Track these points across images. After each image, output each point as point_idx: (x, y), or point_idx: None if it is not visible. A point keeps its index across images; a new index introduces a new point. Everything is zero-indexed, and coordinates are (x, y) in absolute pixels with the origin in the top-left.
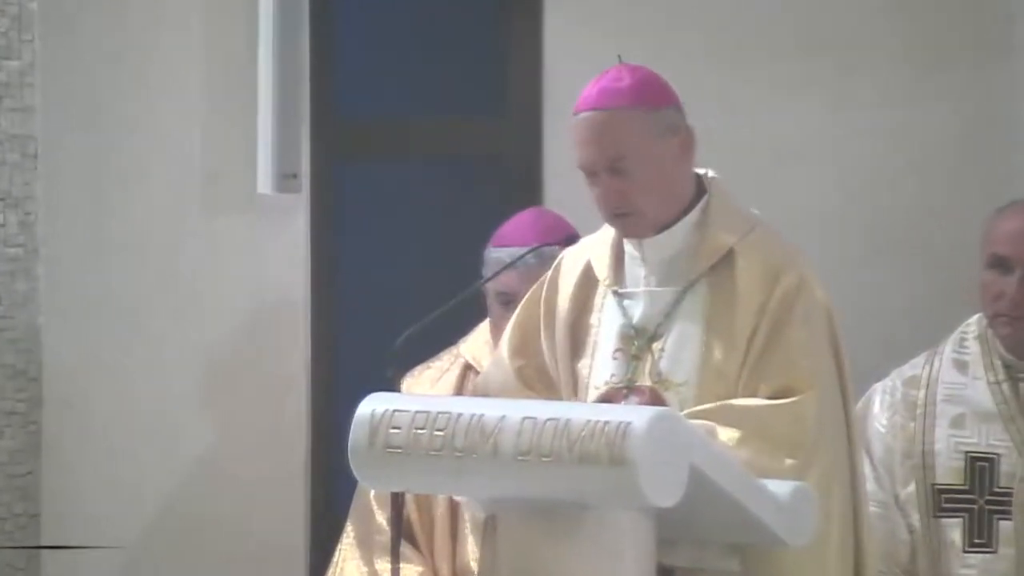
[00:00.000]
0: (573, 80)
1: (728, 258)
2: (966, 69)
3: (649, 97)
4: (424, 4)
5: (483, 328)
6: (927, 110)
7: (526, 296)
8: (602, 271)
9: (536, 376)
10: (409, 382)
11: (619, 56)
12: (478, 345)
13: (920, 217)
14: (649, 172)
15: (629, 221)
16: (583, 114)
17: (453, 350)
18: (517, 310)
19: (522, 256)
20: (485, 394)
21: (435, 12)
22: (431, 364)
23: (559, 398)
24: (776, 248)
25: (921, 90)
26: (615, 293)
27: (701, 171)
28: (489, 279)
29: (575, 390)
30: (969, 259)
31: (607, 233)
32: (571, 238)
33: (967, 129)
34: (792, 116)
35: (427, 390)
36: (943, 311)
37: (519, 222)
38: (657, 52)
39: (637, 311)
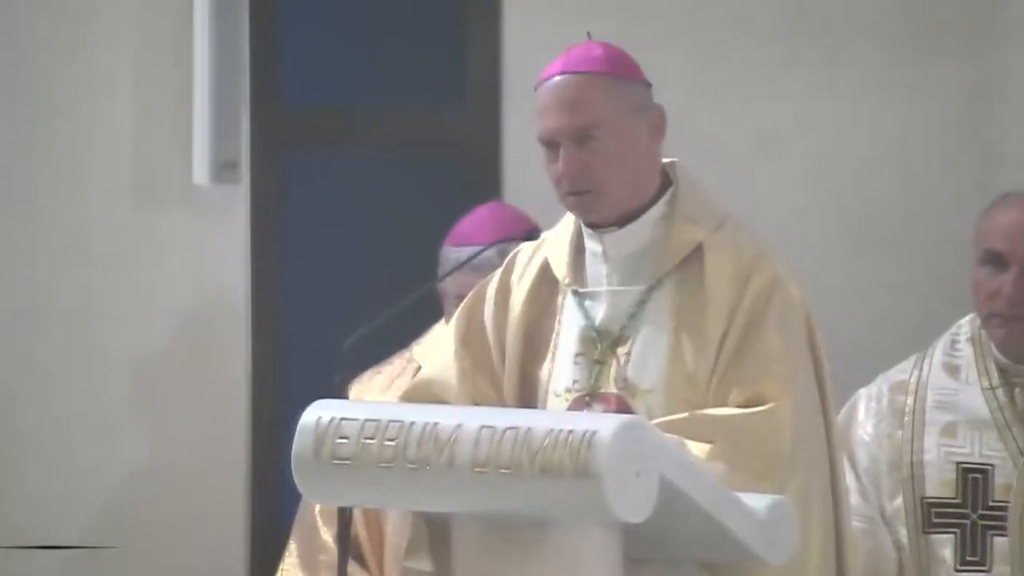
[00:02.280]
0: (533, 65)
1: (697, 254)
2: (952, 59)
3: (622, 68)
4: None
5: (438, 330)
6: (912, 100)
7: (476, 288)
8: (561, 270)
9: (474, 367)
10: (358, 388)
11: (588, 33)
12: None
13: (904, 211)
14: (618, 145)
15: (588, 199)
16: (553, 79)
17: (405, 354)
18: (467, 299)
19: (478, 253)
20: (423, 373)
21: None
22: (381, 369)
23: (499, 392)
24: (748, 244)
25: (906, 79)
26: (575, 293)
27: (667, 160)
28: (444, 277)
29: (531, 395)
30: (957, 256)
31: (566, 229)
32: (532, 233)
33: (952, 120)
34: (770, 103)
35: (377, 396)
36: (928, 310)
37: (476, 219)
38: (623, 35)
39: (599, 312)
